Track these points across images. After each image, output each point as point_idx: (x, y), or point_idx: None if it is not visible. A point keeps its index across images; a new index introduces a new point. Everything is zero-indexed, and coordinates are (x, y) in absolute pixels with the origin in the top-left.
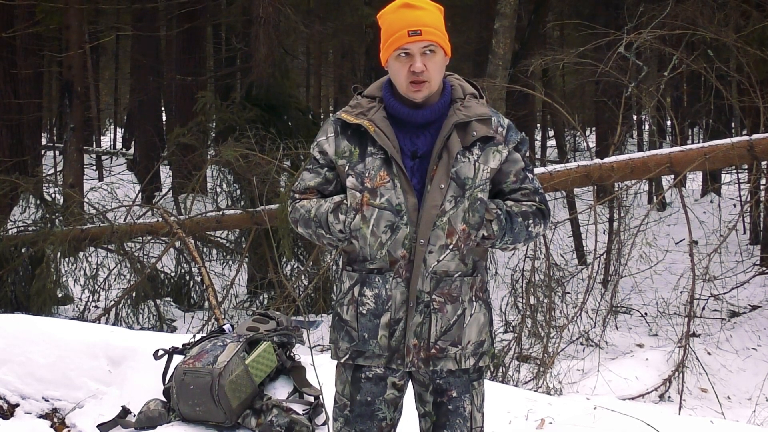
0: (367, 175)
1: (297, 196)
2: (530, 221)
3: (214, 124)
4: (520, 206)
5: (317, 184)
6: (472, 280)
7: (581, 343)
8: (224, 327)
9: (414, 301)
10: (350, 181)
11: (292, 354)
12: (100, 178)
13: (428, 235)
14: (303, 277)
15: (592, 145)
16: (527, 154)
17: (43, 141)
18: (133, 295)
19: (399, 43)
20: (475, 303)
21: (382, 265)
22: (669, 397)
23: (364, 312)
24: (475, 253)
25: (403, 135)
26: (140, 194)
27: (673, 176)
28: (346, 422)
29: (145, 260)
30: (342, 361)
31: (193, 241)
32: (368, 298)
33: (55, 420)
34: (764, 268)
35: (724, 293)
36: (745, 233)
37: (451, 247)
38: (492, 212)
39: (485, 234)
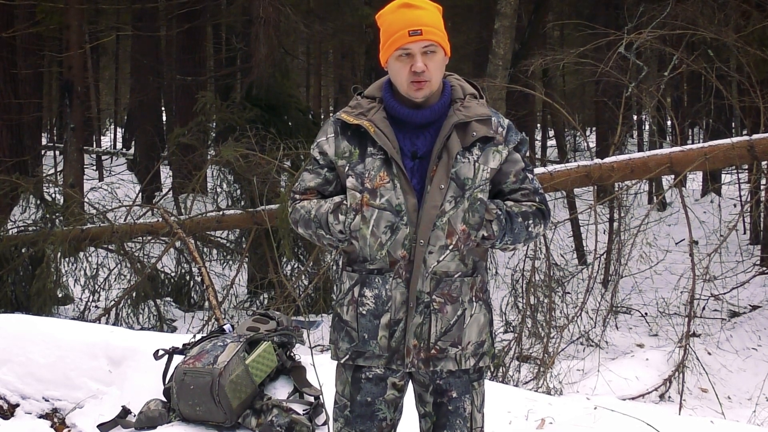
0: (366, 175)
1: (297, 196)
2: (530, 221)
3: (214, 124)
4: (520, 206)
5: (317, 185)
6: (472, 280)
7: (581, 343)
8: (224, 327)
9: (414, 302)
10: (350, 182)
11: (292, 354)
12: (100, 178)
13: (428, 236)
14: (303, 277)
15: (592, 145)
16: (527, 154)
17: (43, 141)
18: (133, 295)
19: (400, 43)
20: (475, 303)
21: (382, 266)
22: (669, 397)
23: (364, 312)
24: (476, 253)
25: (403, 135)
26: (140, 194)
27: (673, 176)
28: (347, 422)
29: (145, 260)
30: (342, 361)
31: (193, 241)
32: (368, 299)
33: (55, 420)
34: (764, 268)
35: (724, 293)
36: (745, 233)
37: (450, 247)
38: (492, 212)
39: (485, 234)
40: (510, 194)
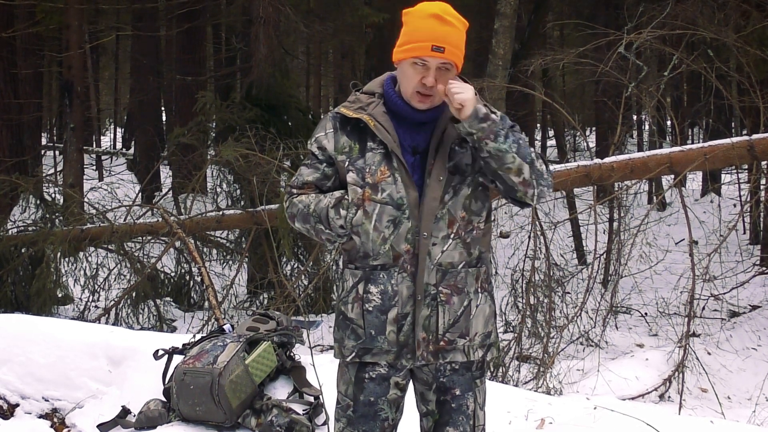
0: (367, 170)
1: (294, 190)
2: (533, 149)
3: (214, 124)
4: None
5: (315, 180)
6: (477, 271)
7: (581, 343)
8: (224, 327)
9: (422, 295)
10: (351, 177)
11: (292, 354)
12: (100, 178)
13: (431, 228)
14: (303, 277)
15: (592, 145)
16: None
17: (43, 141)
18: (133, 295)
19: (420, 53)
20: (480, 294)
21: (386, 261)
22: (669, 397)
23: (371, 309)
24: (481, 243)
25: (403, 131)
26: (140, 194)
27: (673, 176)
28: (349, 422)
29: (145, 260)
30: (348, 359)
31: (193, 241)
32: (374, 295)
33: (55, 420)
34: (764, 268)
35: (724, 293)
36: (745, 233)
37: (452, 236)
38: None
39: (484, 113)
40: None
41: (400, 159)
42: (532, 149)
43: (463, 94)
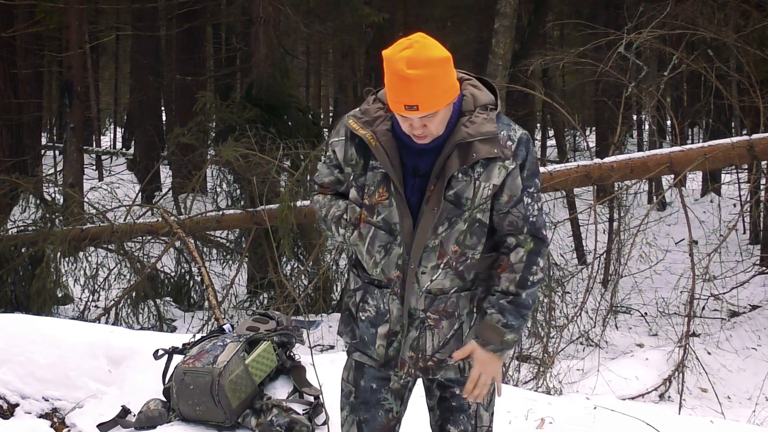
0: (366, 190)
1: (316, 187)
2: (535, 276)
3: (214, 124)
4: (514, 292)
5: (330, 183)
6: (471, 294)
7: (581, 343)
8: (224, 327)
9: (407, 319)
10: (352, 194)
11: (292, 354)
12: (100, 178)
13: (419, 258)
14: (303, 277)
15: (592, 145)
16: (532, 171)
17: (43, 141)
18: (133, 295)
19: (397, 111)
20: (475, 315)
21: (381, 279)
22: (669, 396)
23: (363, 319)
24: (476, 267)
25: (407, 151)
26: (140, 194)
27: (673, 176)
28: (352, 409)
29: (145, 260)
30: (346, 349)
31: (193, 241)
32: (370, 307)
33: (55, 420)
34: (764, 268)
35: (724, 293)
36: (745, 233)
37: (442, 266)
38: (501, 329)
39: (509, 338)
40: (498, 217)
41: (395, 184)
42: (533, 272)
43: (480, 390)
